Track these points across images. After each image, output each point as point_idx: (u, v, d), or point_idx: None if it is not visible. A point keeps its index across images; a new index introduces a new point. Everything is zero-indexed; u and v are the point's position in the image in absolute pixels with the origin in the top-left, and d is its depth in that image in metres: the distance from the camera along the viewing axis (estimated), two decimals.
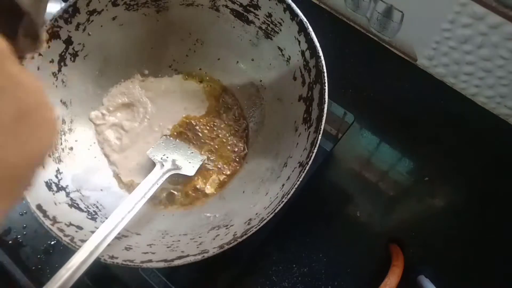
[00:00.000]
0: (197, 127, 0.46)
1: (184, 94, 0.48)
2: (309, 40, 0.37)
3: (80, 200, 0.39)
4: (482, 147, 0.49)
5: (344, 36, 0.56)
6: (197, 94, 0.48)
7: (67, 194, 0.39)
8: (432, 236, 0.45)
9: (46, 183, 0.38)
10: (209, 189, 0.44)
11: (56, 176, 0.39)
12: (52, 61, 0.40)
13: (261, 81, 0.46)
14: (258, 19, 0.42)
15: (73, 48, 0.42)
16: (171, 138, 0.46)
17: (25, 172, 0.19)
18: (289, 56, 0.41)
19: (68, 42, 0.41)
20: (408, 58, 0.53)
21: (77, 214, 0.38)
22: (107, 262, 0.33)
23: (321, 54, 0.37)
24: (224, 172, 0.45)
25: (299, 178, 0.33)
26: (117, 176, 0.44)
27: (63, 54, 0.41)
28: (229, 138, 0.46)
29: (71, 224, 0.36)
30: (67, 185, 0.39)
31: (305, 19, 0.38)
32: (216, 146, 0.46)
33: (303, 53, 0.39)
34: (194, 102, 0.48)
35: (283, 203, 0.33)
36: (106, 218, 0.36)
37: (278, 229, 0.43)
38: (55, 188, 0.38)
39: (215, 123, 0.47)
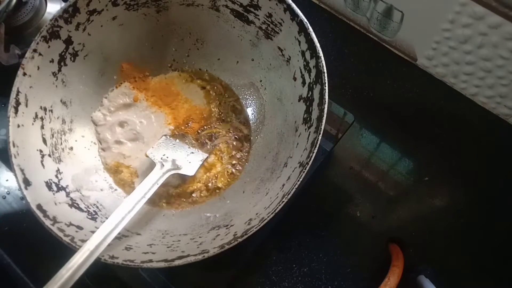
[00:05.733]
0: (198, 128, 0.46)
1: (185, 94, 0.48)
2: (309, 41, 0.37)
3: (80, 200, 0.39)
4: (482, 147, 0.49)
5: (344, 36, 0.56)
6: (198, 95, 0.48)
7: (67, 194, 0.39)
8: (432, 236, 0.45)
9: (46, 183, 0.38)
10: (221, 183, 0.44)
11: (56, 176, 0.39)
12: (52, 61, 0.40)
13: (261, 81, 0.46)
14: (258, 19, 0.42)
15: (73, 48, 0.42)
16: (171, 138, 0.46)
17: None
18: (289, 56, 0.41)
19: (68, 42, 0.41)
20: (408, 58, 0.53)
21: (77, 214, 0.38)
22: (107, 262, 0.33)
23: (321, 54, 0.37)
24: (228, 171, 0.45)
25: (300, 178, 0.33)
26: (117, 176, 0.44)
27: (63, 54, 0.41)
28: (229, 139, 0.46)
29: (71, 224, 0.36)
30: (67, 185, 0.39)
31: (305, 19, 0.37)
32: (217, 147, 0.46)
33: (303, 53, 0.39)
34: (195, 103, 0.48)
35: (284, 203, 0.33)
36: (106, 218, 0.36)
37: (278, 229, 0.43)
38: (55, 188, 0.38)
39: (215, 124, 0.47)
